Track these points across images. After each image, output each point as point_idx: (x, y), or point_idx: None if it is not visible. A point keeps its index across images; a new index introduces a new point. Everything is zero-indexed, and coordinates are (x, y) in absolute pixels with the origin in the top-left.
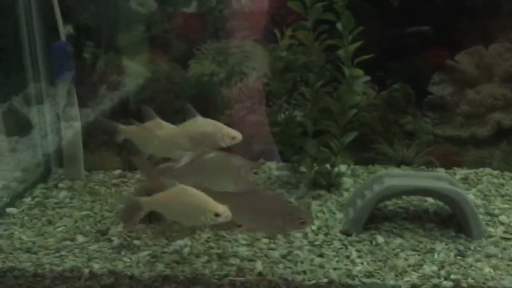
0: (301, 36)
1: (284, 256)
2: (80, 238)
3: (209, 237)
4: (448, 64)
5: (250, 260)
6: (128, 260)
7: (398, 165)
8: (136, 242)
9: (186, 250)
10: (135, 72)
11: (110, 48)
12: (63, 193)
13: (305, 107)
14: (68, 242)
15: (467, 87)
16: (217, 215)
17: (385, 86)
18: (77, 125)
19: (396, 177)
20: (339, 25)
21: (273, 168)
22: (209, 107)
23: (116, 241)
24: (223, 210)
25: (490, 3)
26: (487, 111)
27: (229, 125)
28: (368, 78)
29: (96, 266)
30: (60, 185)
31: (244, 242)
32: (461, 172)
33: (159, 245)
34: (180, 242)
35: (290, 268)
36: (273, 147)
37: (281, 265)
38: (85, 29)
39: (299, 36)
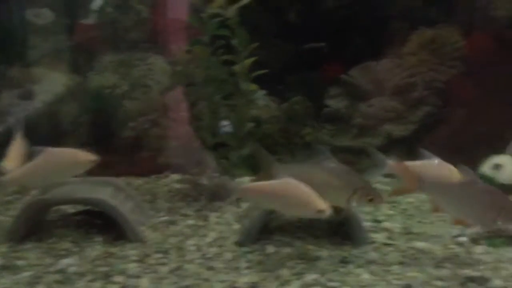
0: (198, 51)
1: (172, 271)
2: None
3: (98, 255)
4: (343, 78)
5: (137, 277)
6: (7, 282)
7: None
8: (19, 262)
9: (73, 269)
10: (34, 84)
11: (2, 61)
12: None
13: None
14: None
15: (361, 100)
16: (320, 211)
17: (285, 99)
18: None
19: None
20: (234, 41)
21: (175, 180)
22: (112, 120)
23: None
24: (326, 207)
25: (380, 21)
26: (379, 122)
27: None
28: (263, 92)
29: None
30: None
31: (134, 258)
32: None
33: (43, 264)
34: (66, 261)
35: (175, 283)
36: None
37: (167, 281)
38: None
39: (196, 51)
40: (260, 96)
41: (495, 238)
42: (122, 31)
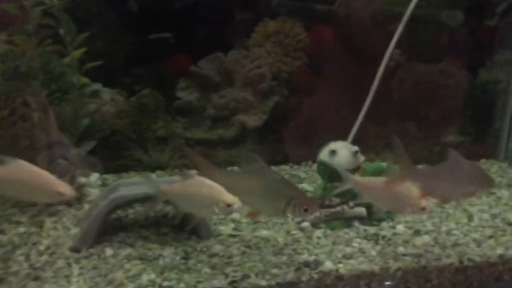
0: (19, 42)
1: None
2: None
3: None
4: (192, 70)
5: None
6: None
7: (154, 170)
8: None
9: None
10: None
11: None
12: None
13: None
14: None
15: (212, 92)
16: (228, 205)
17: (134, 92)
18: None
19: (132, 185)
20: (61, 31)
21: None
22: None
23: None
24: (234, 200)
25: (224, 12)
26: (231, 113)
27: None
28: (99, 85)
29: None
30: None
31: None
32: None
33: None
34: None
35: None
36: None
37: None
38: None
39: (17, 41)
40: (103, 90)
41: (333, 220)
42: None
